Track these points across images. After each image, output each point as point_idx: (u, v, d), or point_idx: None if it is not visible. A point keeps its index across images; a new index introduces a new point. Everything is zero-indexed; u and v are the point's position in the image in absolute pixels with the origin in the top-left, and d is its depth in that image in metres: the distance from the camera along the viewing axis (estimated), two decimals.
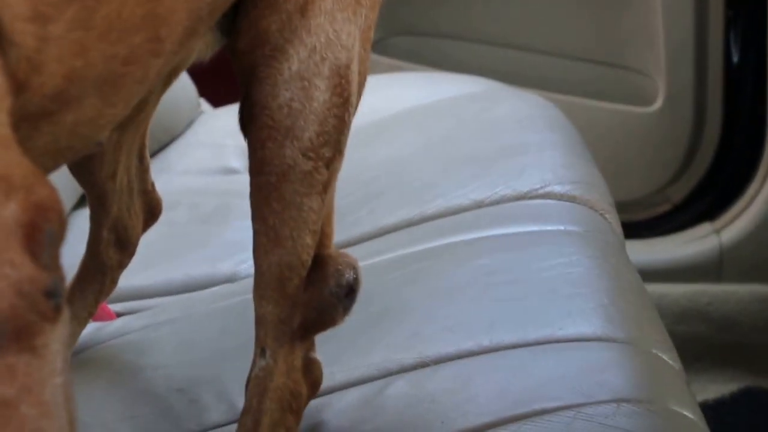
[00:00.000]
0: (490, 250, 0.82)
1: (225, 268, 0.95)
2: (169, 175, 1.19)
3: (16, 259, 0.39)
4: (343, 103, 0.62)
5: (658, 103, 1.50)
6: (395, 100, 1.22)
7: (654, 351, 0.70)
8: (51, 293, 0.40)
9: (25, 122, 0.45)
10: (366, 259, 0.86)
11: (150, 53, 0.52)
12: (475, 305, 0.73)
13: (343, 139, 0.63)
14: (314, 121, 0.60)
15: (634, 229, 1.49)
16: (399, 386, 0.66)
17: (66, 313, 0.41)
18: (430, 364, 0.67)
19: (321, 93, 0.61)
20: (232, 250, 0.98)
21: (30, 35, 0.45)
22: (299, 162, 0.60)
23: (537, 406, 0.62)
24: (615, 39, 1.54)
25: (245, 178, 1.17)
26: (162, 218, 0.84)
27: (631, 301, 0.74)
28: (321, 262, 0.63)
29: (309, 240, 0.61)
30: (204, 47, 0.64)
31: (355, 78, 0.63)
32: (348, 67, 0.62)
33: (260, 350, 0.63)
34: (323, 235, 0.64)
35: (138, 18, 0.50)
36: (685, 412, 0.63)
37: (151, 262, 0.94)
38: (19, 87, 0.45)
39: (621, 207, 1.12)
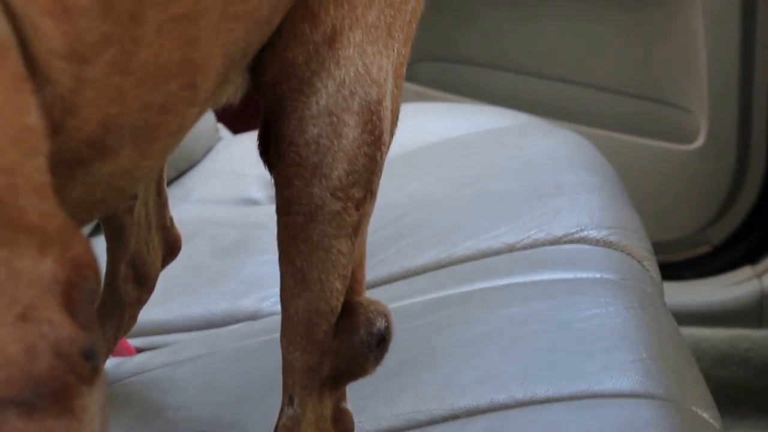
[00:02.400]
0: (523, 298, 0.83)
1: (247, 304, 0.97)
2: (187, 204, 1.22)
3: (54, 318, 0.40)
4: (374, 141, 0.62)
5: (700, 141, 1.51)
6: (423, 131, 1.24)
7: (694, 409, 0.71)
8: (89, 354, 0.41)
9: (59, 169, 0.46)
10: (393, 302, 0.88)
11: (185, 101, 0.53)
12: (508, 355, 0.75)
13: (374, 180, 0.63)
14: (343, 159, 0.61)
15: (672, 270, 1.50)
16: None
17: (104, 375, 0.42)
18: (461, 416, 0.69)
19: (350, 129, 0.61)
20: (254, 285, 1.00)
21: (66, 74, 0.46)
22: (328, 202, 0.61)
23: None
24: (655, 72, 1.55)
25: (266, 210, 1.20)
26: (181, 250, 0.86)
27: (670, 355, 0.76)
28: (351, 310, 0.64)
29: (338, 284, 0.62)
30: (234, 90, 0.64)
31: (387, 115, 0.64)
32: (379, 102, 0.62)
33: (288, 398, 0.64)
34: (354, 281, 0.65)
35: (174, 64, 0.51)
36: None
37: (170, 295, 0.96)
38: (54, 129, 0.46)
39: (658, 247, 1.13)
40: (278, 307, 0.95)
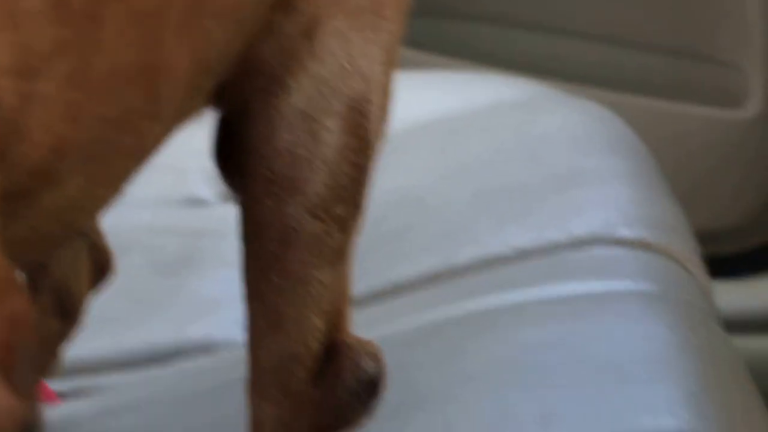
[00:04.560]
0: (539, 318, 0.84)
1: (197, 333, 0.97)
2: (120, 207, 1.21)
3: None
4: (361, 146, 0.63)
5: (753, 106, 1.52)
6: (411, 108, 1.23)
7: None
8: (28, 428, 0.42)
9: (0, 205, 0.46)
10: (379, 326, 0.88)
11: (146, 116, 0.54)
12: (524, 394, 0.75)
13: (362, 192, 0.64)
14: (324, 170, 0.62)
15: (721, 267, 1.51)
16: None
17: None
18: None
19: (332, 135, 0.62)
20: (205, 309, 1.00)
21: (13, 92, 0.46)
22: (306, 224, 0.62)
23: None
24: (696, 22, 1.56)
25: (215, 211, 1.20)
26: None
27: (726, 387, 0.76)
28: (335, 352, 0.65)
29: (319, 323, 0.63)
30: (204, 102, 0.64)
31: (376, 113, 0.64)
32: (366, 99, 0.63)
33: None
34: (338, 317, 0.65)
35: (135, 69, 0.52)
36: None
37: (101, 325, 0.96)
38: None
39: (704, 239, 1.14)
40: (235, 336, 0.96)
